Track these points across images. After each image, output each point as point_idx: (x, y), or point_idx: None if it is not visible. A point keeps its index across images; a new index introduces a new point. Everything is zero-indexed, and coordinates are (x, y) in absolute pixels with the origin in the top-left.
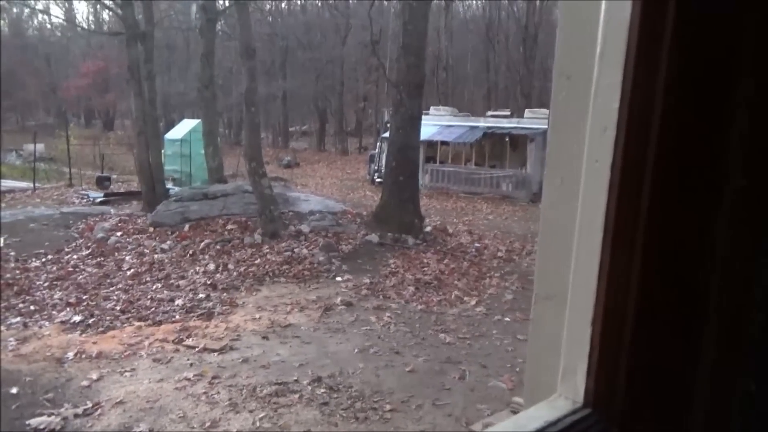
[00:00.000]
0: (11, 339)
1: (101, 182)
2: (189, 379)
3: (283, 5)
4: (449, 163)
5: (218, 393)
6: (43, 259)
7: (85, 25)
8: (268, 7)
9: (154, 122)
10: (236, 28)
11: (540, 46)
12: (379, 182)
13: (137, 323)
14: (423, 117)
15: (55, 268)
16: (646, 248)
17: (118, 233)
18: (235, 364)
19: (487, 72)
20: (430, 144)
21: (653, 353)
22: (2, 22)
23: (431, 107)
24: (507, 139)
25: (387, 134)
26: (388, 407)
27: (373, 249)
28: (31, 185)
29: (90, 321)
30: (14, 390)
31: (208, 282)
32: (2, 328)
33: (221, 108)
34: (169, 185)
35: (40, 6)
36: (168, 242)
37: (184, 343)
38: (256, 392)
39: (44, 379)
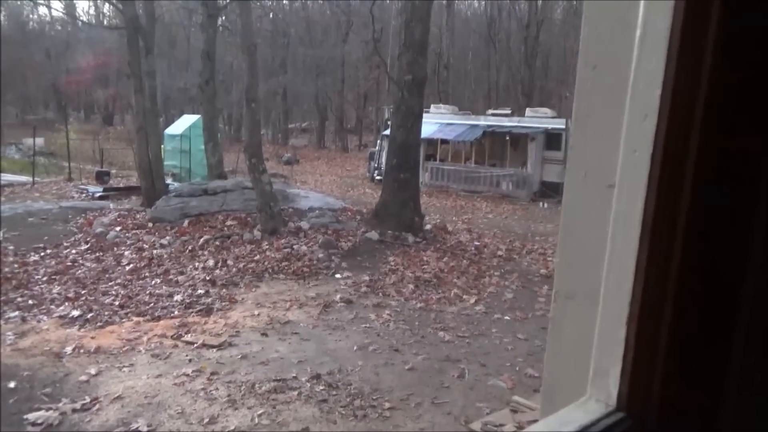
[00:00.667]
0: (9, 333)
1: (100, 177)
2: (188, 375)
3: (284, 2)
4: (449, 161)
5: (217, 389)
6: (42, 254)
7: (85, 19)
8: (269, 3)
9: (154, 117)
10: (237, 24)
11: (541, 45)
12: (379, 180)
13: (136, 318)
14: (423, 115)
15: (53, 263)
16: (686, 244)
17: (117, 228)
18: (234, 360)
19: (488, 70)
20: (431, 142)
21: (689, 355)
22: (2, 15)
23: (432, 105)
24: (507, 138)
25: (387, 132)
26: (387, 405)
27: (373, 246)
28: (31, 179)
29: (88, 316)
30: (12, 384)
31: (207, 278)
32: (1, 322)
33: (222, 104)
34: (169, 181)
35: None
36: (167, 238)
37: (182, 338)
38: (255, 389)
39: (42, 373)
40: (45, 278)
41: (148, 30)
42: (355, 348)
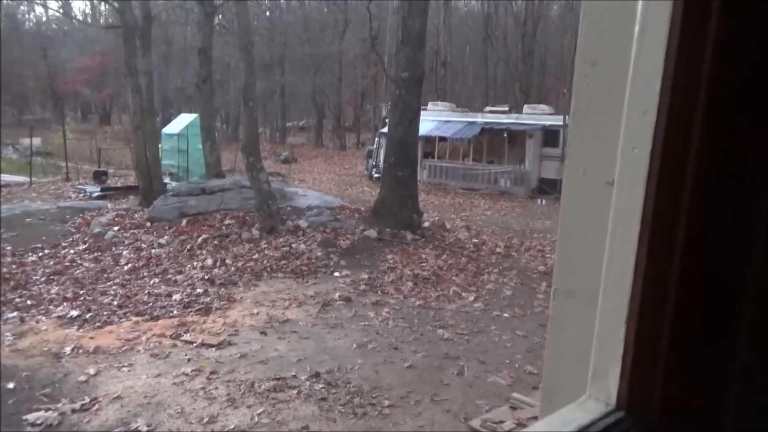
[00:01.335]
0: (8, 334)
1: (98, 177)
2: (187, 375)
3: (281, 0)
4: (447, 158)
5: (216, 388)
6: (40, 254)
7: (81, 18)
8: (266, 2)
9: (151, 117)
10: (234, 22)
11: (538, 42)
12: (378, 178)
13: (135, 318)
14: (421, 112)
15: (51, 263)
16: (686, 242)
17: (116, 228)
18: (233, 359)
19: (486, 68)
20: (429, 140)
21: (690, 354)
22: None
23: (429, 103)
24: (505, 135)
25: (385, 130)
26: (386, 403)
27: (372, 244)
28: (28, 180)
29: (87, 316)
30: (11, 385)
31: (206, 277)
32: None
33: (219, 103)
34: (167, 180)
35: None
36: (165, 237)
37: (181, 338)
38: (255, 388)
39: (41, 374)
40: (43, 278)
41: (145, 29)
42: (354, 346)
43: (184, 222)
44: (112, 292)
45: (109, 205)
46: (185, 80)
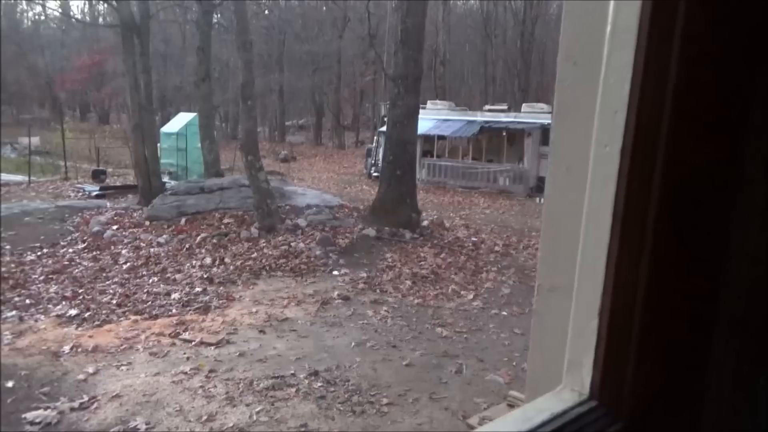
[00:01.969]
0: (7, 333)
1: (97, 176)
2: (185, 373)
3: None
4: (446, 157)
5: (215, 387)
6: (39, 253)
7: (80, 17)
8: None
9: (150, 116)
10: (233, 20)
11: (537, 40)
12: (376, 176)
13: (133, 317)
14: (420, 111)
15: (50, 262)
16: (656, 237)
17: (114, 227)
18: (232, 357)
19: (485, 66)
20: (427, 138)
21: (664, 346)
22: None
23: (428, 101)
24: (504, 134)
25: (384, 128)
26: (385, 401)
27: (370, 243)
28: (27, 179)
29: (86, 315)
30: (10, 384)
31: (205, 276)
32: None
33: (218, 101)
34: (166, 179)
35: None
36: (164, 236)
37: (180, 336)
38: (253, 386)
39: (40, 372)
40: (42, 277)
41: (143, 28)
42: (352, 344)
43: (182, 221)
44: (111, 291)
45: (107, 204)
46: (184, 79)
